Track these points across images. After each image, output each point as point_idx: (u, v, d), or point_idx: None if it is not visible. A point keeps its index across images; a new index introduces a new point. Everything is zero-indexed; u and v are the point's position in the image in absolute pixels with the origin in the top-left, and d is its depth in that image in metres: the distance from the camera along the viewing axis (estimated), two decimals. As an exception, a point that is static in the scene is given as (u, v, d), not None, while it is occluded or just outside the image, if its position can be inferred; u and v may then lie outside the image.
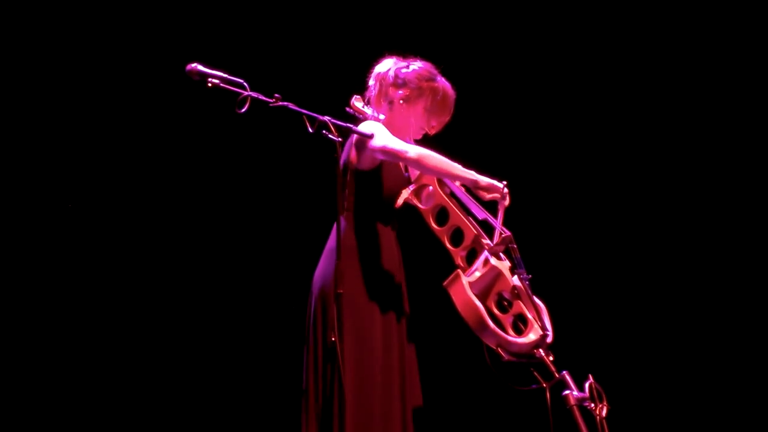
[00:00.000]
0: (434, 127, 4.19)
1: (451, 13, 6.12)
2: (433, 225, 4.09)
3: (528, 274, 3.98)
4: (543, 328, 3.92)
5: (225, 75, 3.57)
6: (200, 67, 3.56)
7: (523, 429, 5.65)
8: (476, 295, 3.89)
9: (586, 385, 3.80)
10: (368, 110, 4.14)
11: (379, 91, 4.14)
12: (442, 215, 4.09)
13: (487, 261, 3.98)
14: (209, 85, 3.55)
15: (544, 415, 3.80)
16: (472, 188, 4.01)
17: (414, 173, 4.17)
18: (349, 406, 3.75)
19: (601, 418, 3.76)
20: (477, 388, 5.70)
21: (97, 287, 5.82)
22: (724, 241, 6.06)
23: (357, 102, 4.17)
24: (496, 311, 3.98)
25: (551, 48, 6.17)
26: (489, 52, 6.13)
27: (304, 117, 3.58)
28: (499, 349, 3.86)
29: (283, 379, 4.99)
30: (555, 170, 6.16)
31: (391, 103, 4.12)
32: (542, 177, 6.10)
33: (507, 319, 3.98)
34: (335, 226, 3.83)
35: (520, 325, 3.97)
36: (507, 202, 4.02)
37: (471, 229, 4.03)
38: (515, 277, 4.00)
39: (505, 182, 4.02)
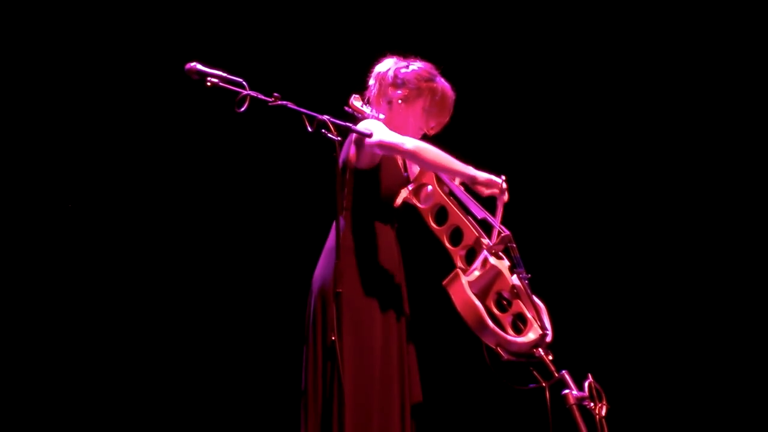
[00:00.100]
0: (433, 127, 4.19)
1: (451, 13, 6.12)
2: (433, 224, 4.08)
3: (527, 273, 3.98)
4: (542, 327, 3.92)
5: (224, 74, 3.57)
6: (199, 66, 3.55)
7: (523, 428, 5.65)
8: (475, 295, 3.89)
9: (586, 384, 3.80)
10: (367, 109, 4.14)
11: (379, 90, 4.15)
12: (441, 214, 4.09)
13: (486, 260, 3.98)
14: (208, 84, 3.55)
15: (544, 415, 3.79)
16: (470, 184, 4.01)
17: (413, 173, 4.17)
18: (348, 406, 3.74)
19: (601, 418, 3.76)
20: (476, 387, 5.70)
21: (97, 287, 5.81)
22: (724, 241, 6.06)
23: (356, 101, 4.17)
24: (495, 310, 3.98)
25: (550, 48, 6.17)
26: (488, 52, 6.13)
27: (303, 116, 3.58)
28: (499, 349, 3.86)
29: (283, 378, 4.99)
30: (554, 170, 6.16)
31: (390, 102, 4.12)
32: (541, 177, 6.10)
33: (506, 319, 3.97)
34: (334, 225, 3.83)
35: (520, 324, 3.97)
36: (506, 197, 4.02)
37: (470, 228, 4.02)
38: (514, 276, 3.99)
39: (503, 177, 4.01)
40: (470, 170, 3.98)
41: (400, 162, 4.16)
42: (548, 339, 3.92)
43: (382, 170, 4.03)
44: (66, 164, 5.81)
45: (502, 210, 4.01)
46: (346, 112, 4.13)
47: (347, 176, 3.97)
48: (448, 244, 4.05)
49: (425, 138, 4.17)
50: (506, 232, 3.97)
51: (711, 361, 5.98)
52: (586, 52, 6.16)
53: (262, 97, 3.58)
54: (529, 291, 3.97)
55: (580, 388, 3.79)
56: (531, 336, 3.91)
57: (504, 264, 4.01)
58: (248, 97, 3.55)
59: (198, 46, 5.42)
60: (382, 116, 4.09)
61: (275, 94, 3.59)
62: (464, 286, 3.88)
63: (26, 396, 5.66)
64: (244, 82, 3.57)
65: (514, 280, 3.99)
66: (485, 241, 4.00)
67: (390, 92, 4.13)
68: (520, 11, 6.15)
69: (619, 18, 6.13)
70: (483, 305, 3.89)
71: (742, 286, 6.01)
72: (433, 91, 4.12)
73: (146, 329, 5.85)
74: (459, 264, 4.00)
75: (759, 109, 6.03)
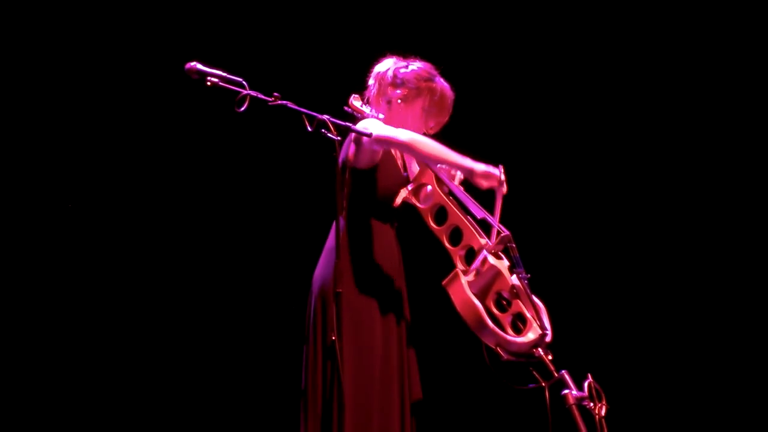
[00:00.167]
0: (432, 127, 4.19)
1: (451, 13, 6.12)
2: (432, 224, 4.08)
3: (527, 273, 3.98)
4: (542, 327, 3.92)
5: (224, 74, 3.57)
6: (199, 66, 3.56)
7: (522, 428, 5.65)
8: (475, 295, 3.89)
9: (585, 384, 3.79)
10: (367, 109, 4.14)
11: (378, 90, 4.15)
12: (440, 214, 4.09)
13: (485, 260, 3.97)
14: (208, 83, 3.55)
15: (543, 415, 3.79)
16: (467, 176, 3.99)
17: (413, 172, 4.17)
18: (348, 406, 3.75)
19: (600, 418, 3.76)
20: (476, 387, 5.70)
21: (97, 287, 5.81)
22: (724, 241, 6.06)
23: (355, 101, 4.17)
24: (495, 310, 3.97)
25: (550, 47, 6.17)
26: (488, 52, 6.13)
27: (303, 116, 3.58)
28: (498, 349, 3.86)
29: (283, 378, 4.99)
30: (554, 169, 6.16)
31: (389, 102, 4.12)
32: (541, 176, 6.10)
33: (506, 319, 3.97)
34: (334, 225, 3.83)
35: (519, 324, 3.97)
36: (504, 189, 4.01)
37: (470, 228, 4.02)
38: (514, 276, 3.99)
39: (501, 167, 4.01)
40: (467, 162, 3.98)
41: (399, 162, 4.16)
42: (548, 339, 3.91)
43: (381, 170, 4.03)
44: (66, 164, 5.81)
45: (501, 202, 4.01)
46: (346, 111, 4.13)
47: (347, 176, 3.97)
48: (447, 244, 4.05)
49: (425, 135, 4.17)
50: (506, 232, 3.97)
51: (711, 360, 5.98)
52: (585, 51, 6.16)
53: (262, 97, 3.58)
54: (528, 291, 3.97)
55: (580, 388, 3.79)
56: (530, 336, 3.90)
57: (503, 264, 4.01)
58: (248, 96, 3.55)
59: (198, 46, 5.42)
60: (381, 116, 4.09)
61: (275, 93, 3.59)
62: (464, 286, 3.88)
63: (26, 396, 5.66)
64: (243, 82, 3.57)
65: (514, 280, 3.99)
66: (485, 241, 4.00)
67: (389, 92, 4.13)
68: (519, 11, 6.15)
69: (618, 17, 6.13)
70: (482, 305, 3.89)
71: (742, 285, 6.01)
72: (432, 91, 4.12)
73: (146, 329, 5.85)
74: (458, 264, 4.00)
75: (759, 109, 6.03)
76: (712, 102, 6.08)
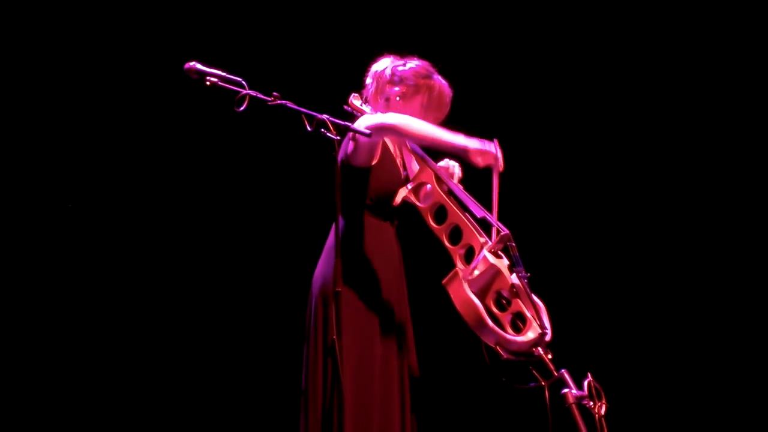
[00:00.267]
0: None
1: (450, 12, 6.12)
2: (432, 223, 4.09)
3: (526, 272, 3.98)
4: (542, 326, 3.92)
5: (223, 73, 3.57)
6: (198, 66, 3.56)
7: (522, 427, 5.65)
8: (475, 294, 3.88)
9: (585, 383, 3.79)
10: (366, 108, 4.15)
11: (376, 88, 4.15)
12: (440, 213, 4.09)
13: (485, 259, 3.97)
14: (207, 83, 3.55)
15: (543, 414, 3.79)
16: (462, 156, 3.97)
17: (412, 171, 4.17)
18: (348, 405, 3.74)
19: (600, 417, 3.76)
20: (476, 386, 5.70)
21: (97, 287, 5.81)
22: (724, 241, 6.06)
23: (355, 100, 4.18)
24: (494, 309, 3.97)
25: (550, 47, 6.17)
26: (488, 52, 6.13)
27: (303, 115, 3.58)
28: (498, 348, 3.86)
29: (283, 378, 4.99)
30: (553, 168, 6.16)
31: (387, 100, 4.13)
32: (541, 175, 6.10)
33: (506, 318, 3.97)
34: (334, 224, 3.83)
35: (519, 323, 3.97)
36: (501, 166, 4.00)
37: (469, 227, 4.02)
38: (514, 275, 3.99)
39: (495, 141, 4.00)
40: (460, 140, 3.95)
41: (399, 161, 4.16)
42: (547, 338, 3.91)
43: (380, 168, 4.03)
44: (66, 164, 5.81)
45: (498, 182, 4.00)
46: (346, 111, 4.14)
47: (346, 175, 3.97)
48: (447, 243, 4.05)
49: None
50: (505, 230, 3.97)
51: (711, 360, 5.98)
52: (584, 50, 6.16)
53: (262, 97, 3.58)
54: (528, 290, 3.96)
55: (580, 387, 3.79)
56: (530, 335, 3.90)
57: (503, 263, 4.01)
58: (247, 96, 3.55)
59: (197, 46, 5.42)
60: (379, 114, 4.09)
61: (274, 93, 3.59)
62: (463, 285, 3.88)
63: (26, 396, 5.66)
64: (243, 82, 3.57)
65: (514, 279, 3.99)
66: (484, 239, 4.00)
67: (387, 89, 4.14)
68: (518, 11, 6.15)
69: (617, 16, 6.13)
70: (482, 304, 3.89)
71: (741, 285, 6.01)
72: (430, 88, 4.13)
73: (147, 329, 5.85)
74: (458, 263, 4.00)
75: (759, 109, 6.03)
76: (712, 102, 6.08)
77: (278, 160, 5.93)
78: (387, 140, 4.10)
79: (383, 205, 4.05)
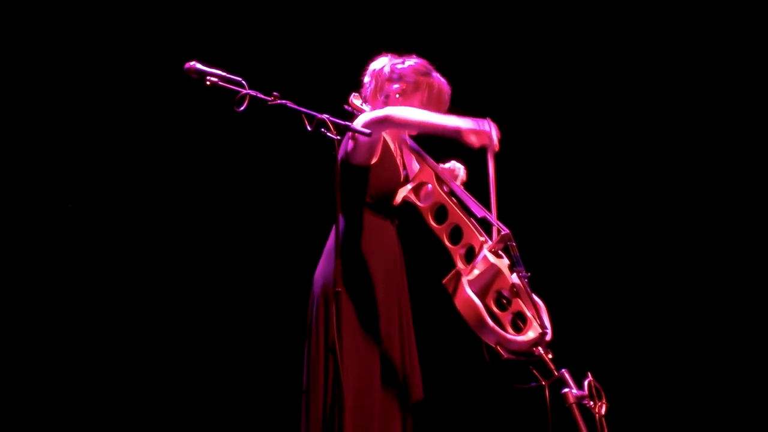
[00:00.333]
0: None
1: (449, 12, 6.12)
2: (432, 223, 4.08)
3: (527, 272, 3.98)
4: (542, 326, 3.92)
5: (223, 73, 3.57)
6: (199, 66, 3.56)
7: (522, 427, 5.65)
8: (475, 293, 3.88)
9: (585, 383, 3.79)
10: (366, 108, 4.15)
11: (375, 86, 4.15)
12: (440, 213, 4.09)
13: (486, 259, 3.97)
14: (207, 83, 3.55)
15: (543, 413, 3.79)
16: (456, 137, 3.96)
17: (412, 171, 4.17)
18: (349, 406, 3.75)
19: (600, 416, 3.76)
20: (476, 386, 5.70)
21: (97, 287, 5.81)
22: (724, 240, 6.06)
23: (355, 99, 4.18)
24: (495, 309, 3.97)
25: (550, 47, 6.17)
26: (487, 51, 6.13)
27: (303, 115, 3.58)
28: (498, 347, 3.86)
29: (284, 378, 4.99)
30: (554, 168, 6.16)
31: (387, 97, 4.12)
32: (541, 175, 6.10)
33: (506, 317, 3.97)
34: (335, 223, 3.83)
35: (519, 323, 3.97)
36: (496, 146, 4.00)
37: (470, 227, 4.02)
38: (514, 275, 3.99)
39: (488, 119, 4.00)
40: (452, 121, 3.96)
41: (399, 160, 4.16)
42: (548, 337, 3.91)
43: (380, 168, 4.03)
44: (66, 164, 5.81)
45: (494, 162, 4.00)
46: (346, 110, 4.14)
47: (346, 174, 3.97)
48: (447, 243, 4.05)
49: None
50: (506, 230, 3.97)
51: (711, 359, 5.98)
52: (584, 49, 6.16)
53: (262, 96, 3.58)
54: (528, 289, 3.96)
55: (580, 386, 3.78)
56: (531, 334, 3.90)
57: (503, 262, 4.01)
58: (247, 96, 3.55)
59: (197, 46, 5.42)
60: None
61: (274, 93, 3.59)
62: (464, 285, 3.88)
63: (26, 396, 5.65)
64: (243, 81, 3.57)
65: (514, 278, 3.99)
66: (485, 239, 4.00)
67: (387, 87, 4.14)
68: (517, 11, 6.15)
69: (617, 15, 6.13)
70: (483, 304, 3.89)
71: (742, 285, 6.01)
72: (430, 86, 4.13)
73: (147, 329, 5.85)
74: (459, 263, 4.00)
75: (759, 109, 6.03)
76: (712, 102, 6.08)
77: (278, 159, 5.93)
78: (388, 139, 4.11)
79: (384, 204, 4.05)
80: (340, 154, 3.95)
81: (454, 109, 4.17)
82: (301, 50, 5.97)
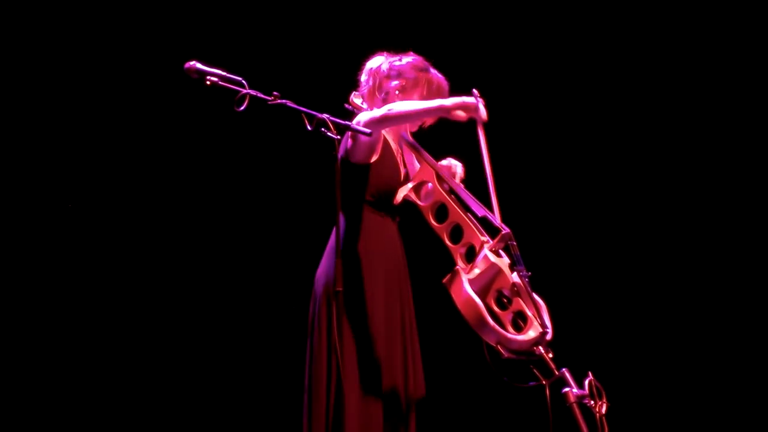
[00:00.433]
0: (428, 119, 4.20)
1: (448, 12, 6.12)
2: (433, 222, 4.09)
3: (527, 271, 3.98)
4: (542, 325, 3.92)
5: (223, 73, 3.57)
6: (199, 65, 3.56)
7: (523, 426, 5.65)
8: (476, 293, 3.88)
9: (586, 382, 3.79)
10: (366, 106, 4.15)
11: (374, 85, 4.15)
12: (441, 212, 4.09)
13: (486, 258, 3.98)
14: (208, 83, 3.55)
15: (544, 413, 3.79)
16: (445, 115, 4.01)
17: (413, 169, 4.18)
18: (351, 404, 3.75)
19: (601, 416, 3.76)
20: (477, 385, 5.70)
21: (98, 287, 5.82)
22: (724, 240, 6.06)
23: (356, 98, 4.18)
24: (495, 308, 3.97)
25: (551, 46, 6.17)
26: (487, 50, 6.12)
27: (303, 115, 3.58)
28: (499, 347, 3.86)
29: (286, 377, 4.99)
30: (554, 167, 6.16)
31: (387, 94, 4.12)
32: (541, 174, 6.10)
33: (506, 317, 3.97)
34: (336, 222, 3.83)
35: (520, 322, 3.97)
36: (484, 116, 4.02)
37: (470, 226, 4.03)
38: (515, 274, 3.99)
39: (475, 92, 4.02)
40: (437, 102, 3.99)
41: (399, 158, 4.16)
42: (548, 337, 3.91)
43: (381, 166, 4.03)
44: (66, 164, 5.81)
45: (484, 134, 4.02)
46: (346, 109, 4.14)
47: (347, 173, 3.97)
48: (448, 242, 4.06)
49: (421, 129, 4.20)
50: (506, 229, 3.97)
51: (711, 359, 5.98)
52: (585, 49, 6.16)
53: (262, 96, 3.58)
54: (529, 289, 3.96)
55: (581, 386, 3.78)
56: (531, 334, 3.90)
57: (504, 262, 4.01)
58: (248, 95, 3.55)
59: (198, 45, 5.42)
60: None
61: (275, 92, 3.59)
62: (464, 284, 3.88)
63: (26, 396, 5.66)
64: (243, 81, 3.57)
65: (515, 277, 3.99)
66: (485, 238, 4.00)
67: (386, 84, 4.14)
68: (516, 10, 6.15)
69: (617, 14, 6.13)
70: (483, 303, 3.89)
71: (742, 285, 6.01)
72: (429, 81, 4.14)
73: (148, 329, 5.85)
74: (459, 262, 4.00)
75: (759, 109, 6.03)
76: (712, 102, 6.08)
77: (279, 159, 5.93)
78: (388, 138, 4.11)
79: (384, 203, 4.05)
80: (340, 152, 3.95)
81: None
82: (301, 50, 5.97)
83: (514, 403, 5.61)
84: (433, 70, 4.17)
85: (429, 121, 4.20)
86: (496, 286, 3.99)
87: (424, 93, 4.12)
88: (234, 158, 5.98)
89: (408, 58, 4.17)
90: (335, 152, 3.62)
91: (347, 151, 3.99)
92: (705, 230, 6.08)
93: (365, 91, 4.18)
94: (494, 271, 3.98)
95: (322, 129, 3.59)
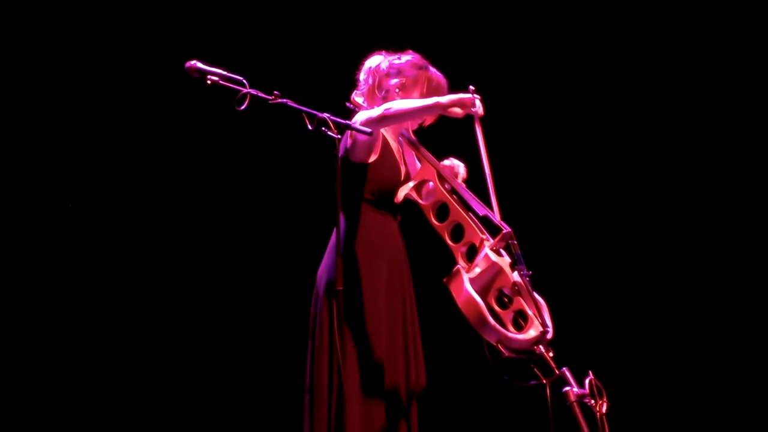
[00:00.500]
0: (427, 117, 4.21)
1: (447, 11, 6.12)
2: (434, 221, 4.09)
3: (528, 270, 3.98)
4: (543, 324, 3.92)
5: (224, 72, 3.57)
6: (199, 65, 3.56)
7: (523, 425, 5.66)
8: (477, 292, 3.89)
9: (586, 381, 3.80)
10: (366, 105, 4.15)
11: (374, 83, 4.15)
12: (442, 211, 4.09)
13: (487, 257, 3.98)
14: (208, 82, 3.55)
15: (544, 412, 3.79)
16: (443, 113, 4.04)
17: (413, 168, 4.18)
18: (353, 404, 3.75)
19: (601, 415, 3.76)
20: (477, 384, 5.70)
21: (98, 287, 5.81)
22: (724, 240, 6.06)
23: (357, 97, 4.18)
24: (496, 307, 3.98)
25: (550, 44, 6.17)
26: (486, 49, 6.12)
27: (304, 114, 3.58)
28: (499, 346, 3.86)
29: (287, 376, 5.00)
30: (554, 167, 6.16)
31: (386, 92, 4.12)
32: (542, 173, 6.10)
33: (507, 316, 3.97)
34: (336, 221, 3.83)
35: (520, 321, 3.97)
36: (481, 111, 4.05)
37: (471, 225, 4.03)
38: (515, 273, 3.99)
39: (471, 87, 4.03)
40: (434, 100, 4.00)
41: (399, 157, 4.16)
42: (549, 336, 3.91)
43: (381, 165, 4.03)
44: (66, 164, 5.81)
45: (481, 128, 4.03)
46: (348, 107, 4.14)
47: (346, 170, 3.97)
48: (449, 241, 4.06)
49: (421, 128, 4.20)
50: (507, 228, 3.97)
51: (711, 358, 5.98)
52: (584, 47, 6.16)
53: (262, 95, 3.58)
54: (530, 288, 3.97)
55: (581, 385, 3.79)
56: (532, 333, 3.90)
57: (505, 261, 4.01)
58: (248, 95, 3.55)
59: (198, 45, 5.42)
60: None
61: (275, 92, 3.60)
62: (465, 283, 3.88)
63: (26, 396, 5.66)
64: (244, 81, 3.57)
65: (515, 277, 3.99)
66: (486, 237, 4.01)
67: (385, 83, 4.14)
68: (514, 8, 6.16)
69: (617, 14, 6.13)
70: (484, 302, 3.89)
71: (742, 284, 6.01)
72: (429, 79, 4.15)
73: (149, 328, 5.85)
74: (460, 261, 4.00)
75: (759, 109, 6.03)
76: (712, 102, 6.08)
77: (280, 158, 5.93)
78: (388, 137, 4.11)
79: (385, 201, 4.05)
80: (340, 151, 3.95)
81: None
82: (301, 50, 5.97)
83: (514, 402, 5.60)
84: (432, 68, 4.18)
85: (429, 119, 4.20)
86: (496, 285, 3.99)
87: (424, 90, 4.13)
88: (235, 158, 5.98)
89: (407, 57, 4.18)
90: (336, 151, 3.63)
91: (347, 151, 3.99)
92: (705, 230, 6.08)
93: (365, 89, 4.19)
94: (495, 270, 3.98)
95: (323, 128, 3.59)
